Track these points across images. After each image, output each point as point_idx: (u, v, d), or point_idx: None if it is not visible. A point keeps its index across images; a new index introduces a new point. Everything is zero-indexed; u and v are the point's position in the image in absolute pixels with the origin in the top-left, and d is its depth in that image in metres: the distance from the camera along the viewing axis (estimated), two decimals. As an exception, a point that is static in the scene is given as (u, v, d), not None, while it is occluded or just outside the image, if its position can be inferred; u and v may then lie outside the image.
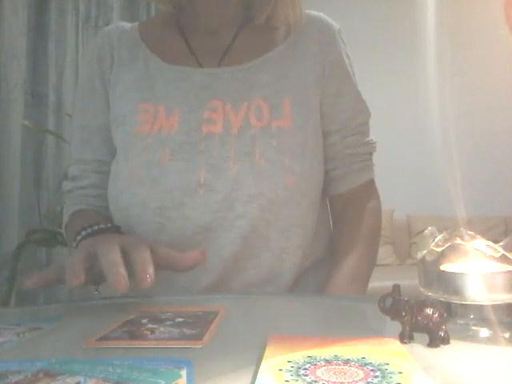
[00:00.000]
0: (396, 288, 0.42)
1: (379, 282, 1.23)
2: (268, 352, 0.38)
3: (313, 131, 0.77)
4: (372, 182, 0.86)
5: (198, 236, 0.71)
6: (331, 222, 0.86)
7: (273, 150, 0.72)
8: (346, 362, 0.35)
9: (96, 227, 0.66)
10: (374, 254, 0.83)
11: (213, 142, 0.72)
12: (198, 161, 0.72)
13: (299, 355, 0.37)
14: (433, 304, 0.41)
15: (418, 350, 0.39)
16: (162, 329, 0.46)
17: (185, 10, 0.84)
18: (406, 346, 0.40)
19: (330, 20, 0.86)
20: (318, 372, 0.33)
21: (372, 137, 0.86)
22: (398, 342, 0.40)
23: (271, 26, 0.82)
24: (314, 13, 0.86)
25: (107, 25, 2.24)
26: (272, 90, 0.76)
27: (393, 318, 0.42)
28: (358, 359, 0.36)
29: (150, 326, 0.47)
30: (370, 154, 0.86)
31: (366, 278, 0.79)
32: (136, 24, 0.88)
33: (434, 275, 0.46)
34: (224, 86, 0.76)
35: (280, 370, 0.34)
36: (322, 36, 0.82)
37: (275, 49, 0.80)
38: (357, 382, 0.32)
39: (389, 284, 0.44)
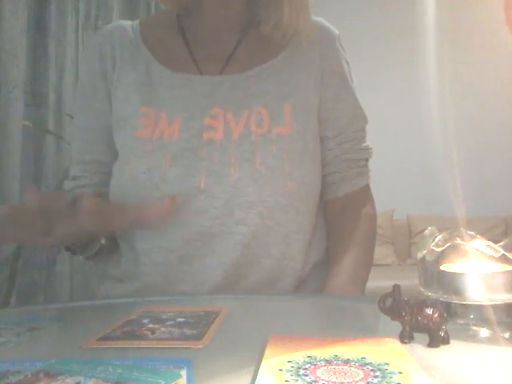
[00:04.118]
0: (396, 288, 0.42)
1: (379, 282, 1.23)
2: (268, 352, 0.38)
3: (312, 137, 0.78)
4: (367, 187, 0.86)
5: (198, 242, 0.71)
6: (327, 226, 0.86)
7: (273, 156, 0.72)
8: (346, 362, 0.35)
9: None
10: (370, 258, 0.83)
11: (213, 149, 0.72)
12: (198, 167, 0.72)
13: (299, 355, 0.37)
14: (433, 304, 0.41)
15: (418, 349, 0.39)
16: (162, 329, 0.46)
17: (188, 11, 0.84)
18: (406, 346, 0.40)
19: (329, 26, 0.85)
20: (318, 372, 0.33)
21: (372, 137, 0.86)
22: (397, 342, 0.40)
23: (276, 35, 0.80)
24: (313, 18, 0.85)
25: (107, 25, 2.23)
26: (273, 97, 0.76)
27: (393, 318, 0.42)
28: (358, 359, 0.36)
29: (150, 325, 0.47)
30: (366, 159, 0.86)
31: (363, 279, 0.79)
32: (137, 23, 0.86)
33: (434, 275, 0.46)
34: (225, 94, 0.76)
35: (280, 370, 0.34)
36: (321, 42, 0.82)
37: (276, 56, 0.80)
38: (357, 382, 0.32)
39: (389, 284, 0.44)
